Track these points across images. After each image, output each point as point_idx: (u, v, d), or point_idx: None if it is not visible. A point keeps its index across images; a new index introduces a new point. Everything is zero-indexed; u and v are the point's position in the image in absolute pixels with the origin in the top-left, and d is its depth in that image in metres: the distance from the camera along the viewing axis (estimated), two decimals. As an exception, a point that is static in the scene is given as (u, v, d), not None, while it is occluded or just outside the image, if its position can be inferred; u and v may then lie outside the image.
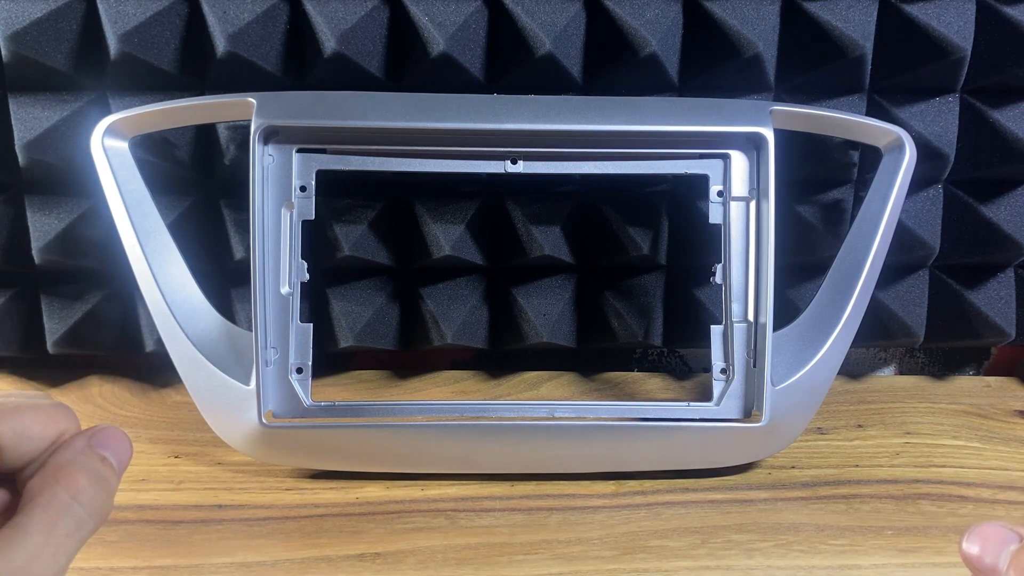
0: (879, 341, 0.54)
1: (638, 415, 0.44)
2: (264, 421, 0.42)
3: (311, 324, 0.43)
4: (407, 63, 0.46)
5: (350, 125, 0.41)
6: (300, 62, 0.46)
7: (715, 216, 0.44)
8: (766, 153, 0.43)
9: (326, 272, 0.50)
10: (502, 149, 0.43)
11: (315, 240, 0.46)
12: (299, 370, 0.43)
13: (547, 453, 0.44)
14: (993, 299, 0.53)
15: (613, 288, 0.52)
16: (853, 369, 0.59)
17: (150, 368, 0.53)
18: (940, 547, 0.39)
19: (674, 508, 0.42)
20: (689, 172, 0.44)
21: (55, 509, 0.25)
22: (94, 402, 0.52)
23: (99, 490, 0.26)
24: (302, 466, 0.44)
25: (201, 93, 0.46)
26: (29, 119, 0.46)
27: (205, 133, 0.47)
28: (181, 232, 0.45)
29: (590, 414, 0.44)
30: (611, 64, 0.47)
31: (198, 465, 0.45)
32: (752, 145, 0.44)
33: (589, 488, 0.44)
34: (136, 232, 0.42)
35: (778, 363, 0.43)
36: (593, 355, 0.56)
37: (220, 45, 0.44)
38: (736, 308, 0.44)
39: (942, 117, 0.49)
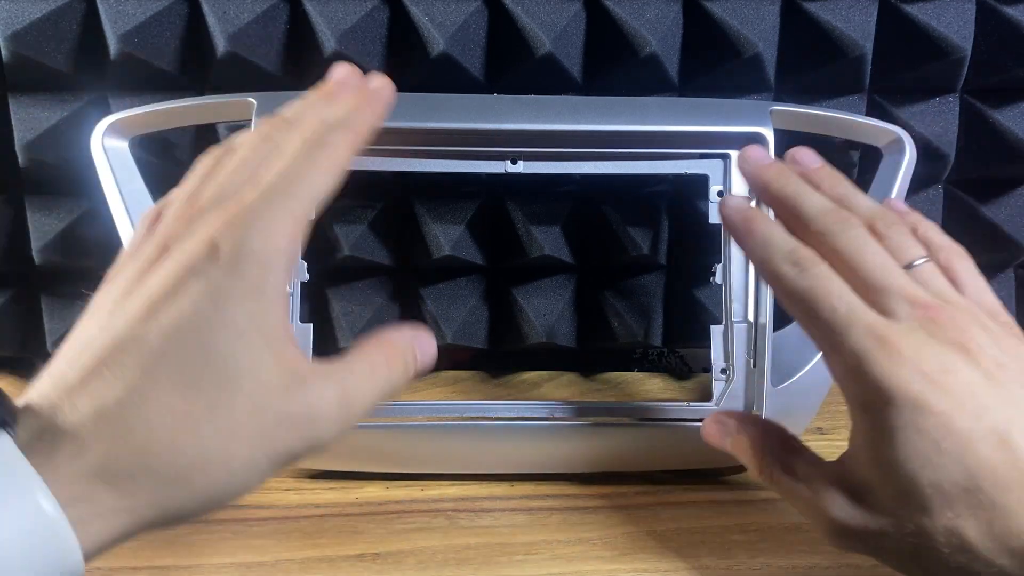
0: (879, 341, 0.54)
1: (638, 415, 0.44)
2: (264, 421, 0.41)
3: (311, 324, 0.43)
4: (407, 63, 0.46)
5: (350, 125, 0.41)
6: (300, 62, 0.46)
7: (715, 216, 0.44)
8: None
9: (326, 272, 0.50)
10: (502, 149, 0.43)
11: (315, 240, 0.46)
12: (299, 370, 0.43)
13: (547, 453, 0.43)
14: (993, 299, 0.53)
15: (613, 288, 0.52)
16: (853, 369, 0.59)
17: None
18: (940, 547, 0.39)
19: (674, 508, 0.42)
20: (689, 172, 0.44)
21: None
22: (94, 402, 0.52)
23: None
24: (302, 466, 0.44)
25: (201, 93, 0.46)
26: (29, 119, 0.46)
27: (205, 133, 0.47)
28: (181, 232, 0.45)
29: (590, 414, 0.44)
30: (611, 64, 0.47)
31: (198, 465, 0.45)
32: (752, 145, 0.44)
33: (589, 488, 0.44)
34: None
35: (778, 363, 0.43)
36: (593, 355, 0.56)
37: (220, 45, 0.44)
38: (736, 308, 0.44)
39: (942, 117, 0.49)
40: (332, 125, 0.30)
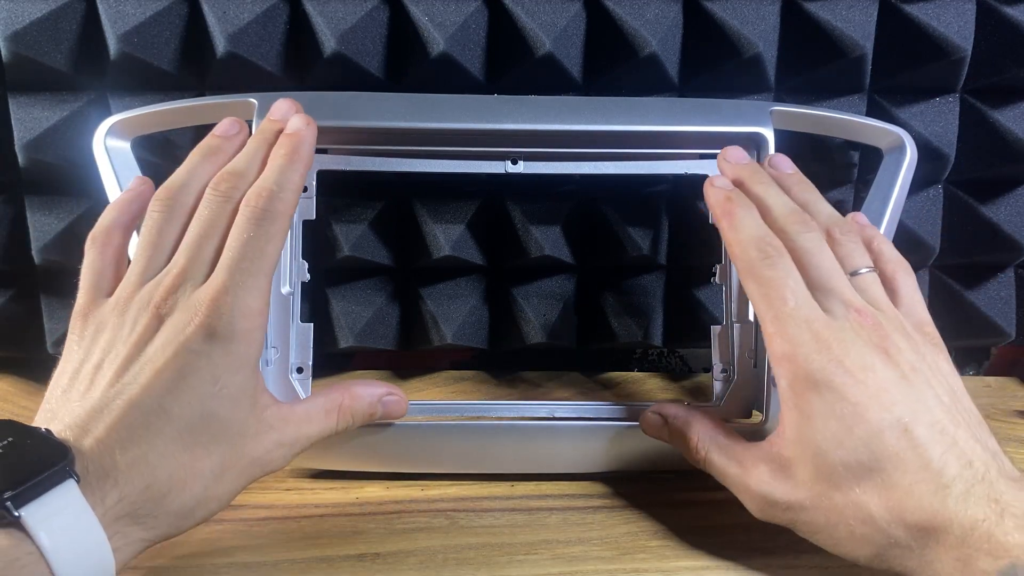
0: (879, 341, 0.54)
1: (638, 415, 0.44)
2: (264, 421, 0.41)
3: (311, 324, 0.43)
4: (407, 63, 0.46)
5: (351, 125, 0.41)
6: (300, 62, 0.46)
7: (715, 216, 0.44)
8: (766, 153, 0.43)
9: (326, 272, 0.50)
10: (502, 149, 0.43)
11: (315, 240, 0.46)
12: (299, 370, 0.43)
13: (547, 453, 0.44)
14: (993, 299, 0.53)
15: (613, 288, 0.52)
16: (853, 369, 0.59)
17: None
18: (940, 547, 0.39)
19: (674, 508, 0.42)
20: (689, 172, 0.44)
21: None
22: (94, 402, 0.51)
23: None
24: (302, 466, 0.44)
25: (201, 93, 0.46)
26: (29, 119, 0.46)
27: (205, 133, 0.47)
28: (181, 232, 0.45)
29: (590, 414, 0.44)
30: (611, 64, 0.47)
31: (198, 465, 0.45)
32: (752, 145, 0.44)
33: (589, 488, 0.44)
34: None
35: (778, 363, 0.43)
36: (593, 355, 0.56)
37: (220, 45, 0.44)
38: (736, 308, 0.44)
39: (942, 117, 0.49)
40: (272, 192, 0.35)
